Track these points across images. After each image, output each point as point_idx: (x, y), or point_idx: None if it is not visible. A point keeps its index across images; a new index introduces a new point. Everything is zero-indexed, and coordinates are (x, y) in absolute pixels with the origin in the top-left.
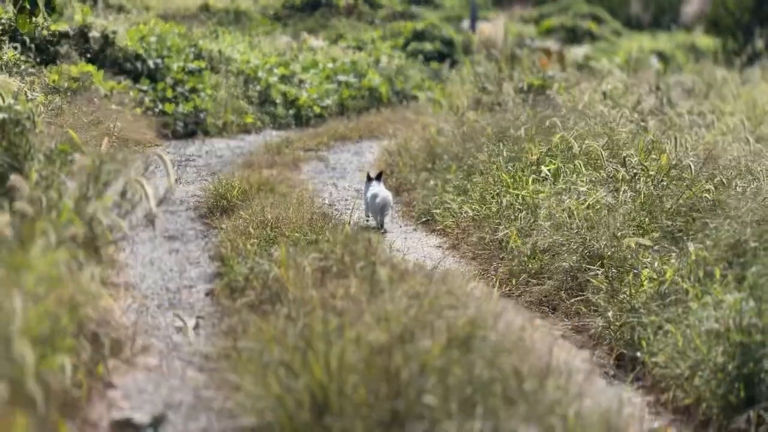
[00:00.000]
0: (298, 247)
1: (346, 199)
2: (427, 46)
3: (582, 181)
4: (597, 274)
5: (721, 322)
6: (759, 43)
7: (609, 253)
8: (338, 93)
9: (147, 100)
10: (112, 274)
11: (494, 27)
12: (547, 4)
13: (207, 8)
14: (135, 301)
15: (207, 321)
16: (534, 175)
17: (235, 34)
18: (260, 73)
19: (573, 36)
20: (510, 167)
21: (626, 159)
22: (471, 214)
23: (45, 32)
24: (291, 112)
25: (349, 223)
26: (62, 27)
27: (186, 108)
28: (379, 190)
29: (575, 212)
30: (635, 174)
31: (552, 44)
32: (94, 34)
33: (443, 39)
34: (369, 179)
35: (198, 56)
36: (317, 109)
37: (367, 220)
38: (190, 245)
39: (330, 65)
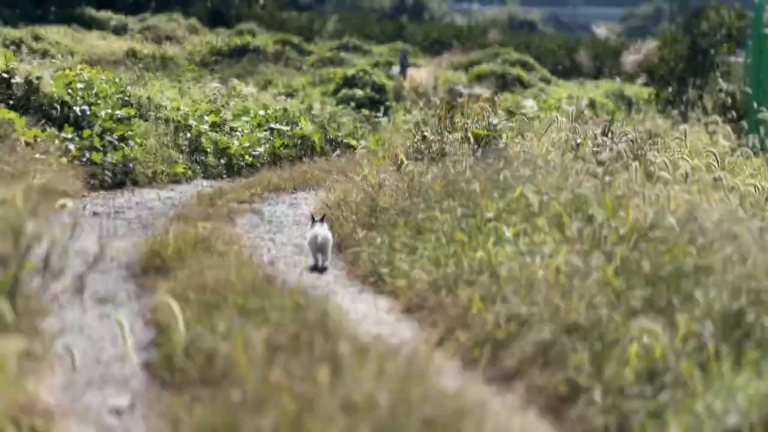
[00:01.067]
0: (242, 315)
1: (286, 256)
2: (359, 93)
3: (545, 242)
4: (575, 348)
5: (743, 416)
6: (691, 93)
7: (587, 324)
8: (270, 141)
9: (74, 148)
10: (35, 347)
11: (424, 73)
12: (475, 51)
13: (134, 54)
14: (62, 377)
15: (144, 399)
16: (492, 235)
17: (164, 80)
18: (191, 121)
19: (503, 82)
20: (463, 225)
21: (592, 217)
22: (426, 278)
23: None
24: (222, 161)
25: (295, 289)
26: None
27: (114, 157)
28: (320, 230)
29: (542, 277)
30: (605, 235)
31: (483, 91)
32: (17, 80)
33: (374, 85)
34: (313, 221)
35: (126, 103)
36: (249, 158)
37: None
38: (122, 309)
39: (261, 112)
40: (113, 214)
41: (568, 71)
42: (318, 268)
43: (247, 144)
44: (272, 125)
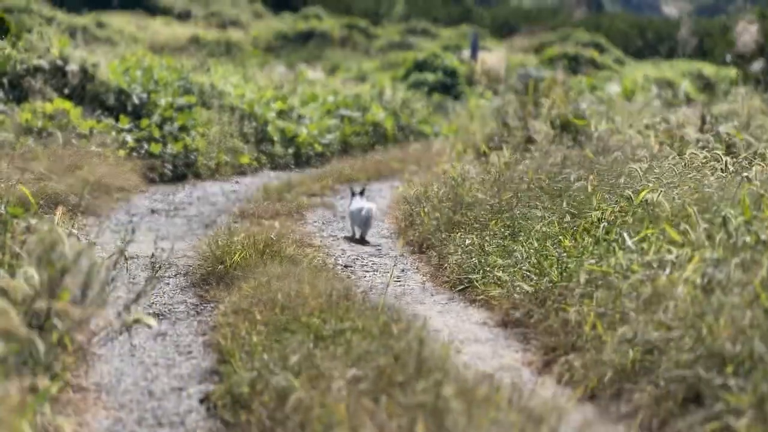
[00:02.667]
0: (318, 341)
1: (362, 258)
2: (430, 77)
3: (669, 249)
4: (728, 386)
5: None
6: None
7: (740, 353)
8: (340, 129)
9: (131, 140)
10: (78, 374)
11: (495, 57)
12: (546, 33)
13: (197, 40)
14: (108, 414)
15: None
16: (605, 239)
17: (228, 66)
18: (256, 109)
19: (576, 65)
20: (567, 226)
21: (725, 218)
22: (526, 288)
23: (18, 66)
24: (290, 150)
25: (382, 306)
26: (36, 60)
27: (175, 148)
28: (363, 203)
29: (680, 294)
30: (744, 240)
31: (557, 73)
32: (72, 67)
33: (446, 69)
34: (353, 194)
35: (188, 91)
36: (318, 147)
37: (353, 235)
38: (180, 326)
39: (330, 99)
40: (173, 211)
41: (640, 51)
42: (358, 240)
43: (316, 132)
44: (342, 112)
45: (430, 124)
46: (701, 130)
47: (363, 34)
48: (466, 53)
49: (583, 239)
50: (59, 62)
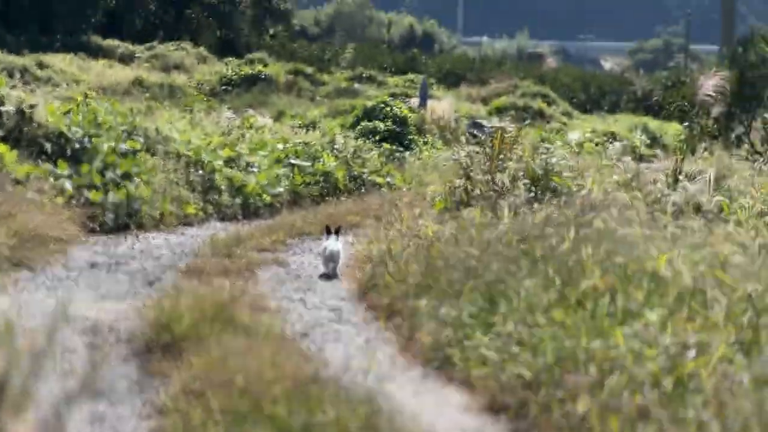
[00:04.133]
0: None
1: (323, 324)
2: (379, 125)
3: (684, 327)
4: None
5: None
6: (738, 128)
7: None
8: (290, 179)
9: (70, 187)
10: None
11: (443, 106)
12: (494, 83)
13: (140, 83)
14: None
15: None
16: (608, 314)
17: (173, 110)
18: (203, 156)
19: (524, 115)
20: (556, 295)
21: (748, 294)
22: (520, 372)
23: None
24: (238, 200)
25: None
26: None
27: (117, 197)
28: (331, 242)
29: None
30: None
31: (507, 124)
32: (8, 108)
33: (395, 117)
34: (328, 232)
35: (132, 135)
36: (267, 198)
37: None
38: (120, 408)
39: (280, 146)
40: (114, 266)
41: (583, 104)
42: (328, 276)
43: (265, 182)
44: (292, 161)
45: (382, 175)
46: (673, 189)
47: (309, 80)
48: (415, 101)
49: (577, 312)
50: None
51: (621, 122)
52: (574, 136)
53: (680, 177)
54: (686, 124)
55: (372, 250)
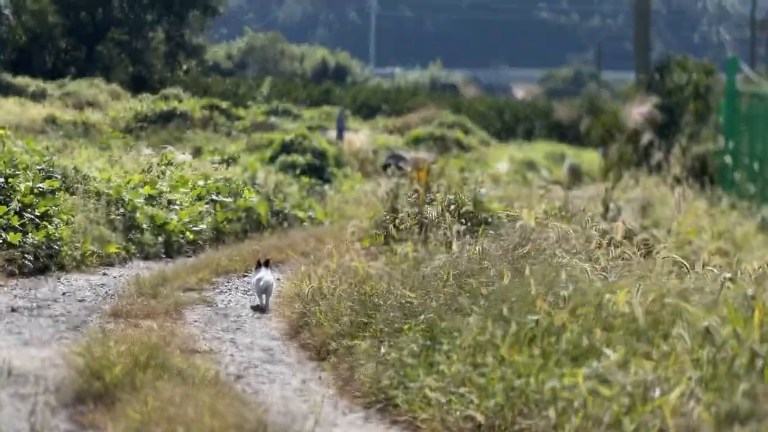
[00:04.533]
0: None
1: (256, 366)
2: (299, 159)
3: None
4: None
5: None
6: (657, 155)
7: None
8: (212, 215)
9: None
10: None
11: (361, 137)
12: (410, 114)
13: (54, 120)
14: None
15: None
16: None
17: (91, 148)
18: (123, 194)
19: (442, 145)
20: (499, 332)
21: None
22: (467, 413)
23: None
24: (160, 239)
25: None
26: None
27: (36, 238)
28: (266, 274)
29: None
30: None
31: (427, 155)
32: None
33: (314, 151)
34: (259, 265)
35: (50, 175)
36: (190, 235)
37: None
38: None
39: (201, 183)
40: (36, 309)
41: (499, 132)
42: (261, 309)
43: (187, 219)
44: (214, 197)
45: (304, 209)
46: (604, 218)
47: (224, 115)
48: (332, 133)
49: (526, 351)
50: None
51: (538, 150)
52: (502, 166)
53: (610, 206)
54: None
55: (302, 287)
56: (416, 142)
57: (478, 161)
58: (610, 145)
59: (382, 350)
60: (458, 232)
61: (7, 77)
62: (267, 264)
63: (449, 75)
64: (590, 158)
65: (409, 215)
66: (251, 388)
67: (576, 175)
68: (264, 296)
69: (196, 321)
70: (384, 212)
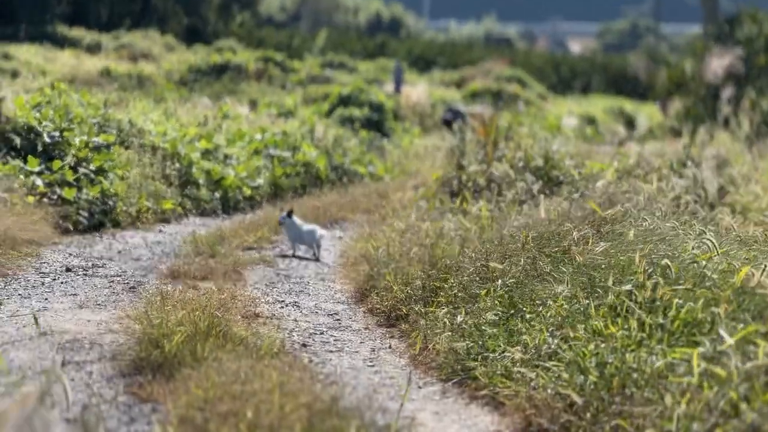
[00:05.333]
0: None
1: (320, 331)
2: (356, 113)
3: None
4: None
5: None
6: (726, 109)
7: None
8: (270, 170)
9: (41, 184)
10: None
11: (418, 91)
12: (467, 67)
13: (108, 73)
14: None
15: None
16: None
17: (146, 101)
18: (180, 148)
19: (499, 100)
20: (588, 303)
21: None
22: (558, 389)
23: None
24: (217, 194)
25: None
26: None
27: (91, 193)
28: (315, 227)
29: None
30: None
31: (483, 109)
32: None
33: (372, 104)
34: (290, 215)
35: (105, 128)
36: (247, 191)
37: (293, 254)
38: None
39: (258, 137)
40: (91, 269)
41: (555, 87)
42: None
43: (244, 174)
44: (271, 151)
45: (363, 164)
46: (681, 176)
47: (279, 67)
48: (389, 87)
49: (622, 324)
50: None
51: (596, 104)
52: (570, 121)
53: (688, 163)
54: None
55: (368, 248)
56: (473, 96)
57: (537, 116)
58: (675, 99)
59: (459, 318)
60: (532, 191)
61: (63, 29)
62: (290, 215)
63: (504, 28)
64: (649, 113)
65: (477, 173)
66: (318, 358)
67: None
68: (318, 248)
69: (256, 283)
70: (450, 169)
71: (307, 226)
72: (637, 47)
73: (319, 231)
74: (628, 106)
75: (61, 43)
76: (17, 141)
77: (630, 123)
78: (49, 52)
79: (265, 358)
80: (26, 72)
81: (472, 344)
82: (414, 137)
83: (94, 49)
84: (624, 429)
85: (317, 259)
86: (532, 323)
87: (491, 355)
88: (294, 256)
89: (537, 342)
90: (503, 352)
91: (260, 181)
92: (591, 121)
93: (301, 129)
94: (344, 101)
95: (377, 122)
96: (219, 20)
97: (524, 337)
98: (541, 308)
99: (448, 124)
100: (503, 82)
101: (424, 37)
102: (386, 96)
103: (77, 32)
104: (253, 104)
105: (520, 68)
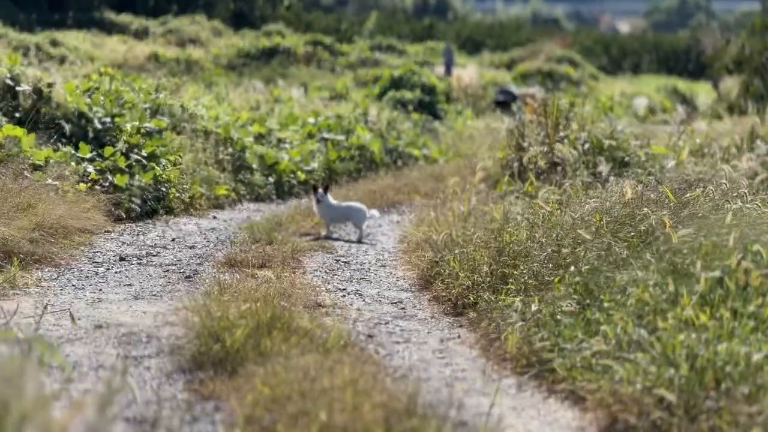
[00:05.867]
0: None
1: (384, 321)
2: (407, 95)
3: None
4: None
5: None
6: None
7: None
8: (324, 154)
9: (93, 171)
10: None
11: (469, 73)
12: (517, 48)
13: (156, 58)
14: None
15: None
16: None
17: (196, 85)
18: (233, 132)
19: (550, 81)
20: (673, 291)
21: None
22: (646, 383)
23: None
24: (271, 179)
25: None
26: None
27: (144, 180)
28: (358, 204)
29: None
30: None
31: (535, 91)
32: (24, 88)
33: (424, 86)
34: (324, 191)
35: (156, 113)
36: (301, 175)
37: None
38: None
39: (311, 120)
40: (145, 257)
41: (604, 67)
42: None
43: (298, 158)
44: (325, 135)
45: (418, 147)
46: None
47: (328, 51)
48: (439, 69)
49: (708, 311)
50: (9, 82)
51: (648, 84)
52: (640, 101)
53: (757, 142)
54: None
55: (429, 232)
56: (524, 77)
57: (589, 96)
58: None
59: (533, 307)
60: (599, 173)
61: (111, 15)
62: (326, 190)
63: (551, 8)
64: (702, 91)
65: (539, 154)
66: (385, 350)
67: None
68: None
69: (315, 270)
70: (509, 151)
71: (347, 202)
72: (686, 26)
73: (373, 212)
74: (681, 85)
75: (108, 29)
76: (68, 128)
77: (684, 102)
78: (97, 38)
79: (332, 351)
80: (75, 58)
81: (547, 335)
82: (467, 119)
83: (141, 34)
84: (722, 429)
85: (359, 241)
86: (610, 312)
87: (568, 346)
88: (327, 237)
89: (618, 332)
90: (581, 342)
91: (314, 165)
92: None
93: (354, 112)
94: (396, 84)
95: (429, 104)
96: (266, 4)
97: (603, 327)
98: (620, 296)
99: (500, 105)
100: (554, 63)
101: (472, 19)
102: (437, 78)
103: (124, 18)
104: (304, 87)
105: (571, 48)
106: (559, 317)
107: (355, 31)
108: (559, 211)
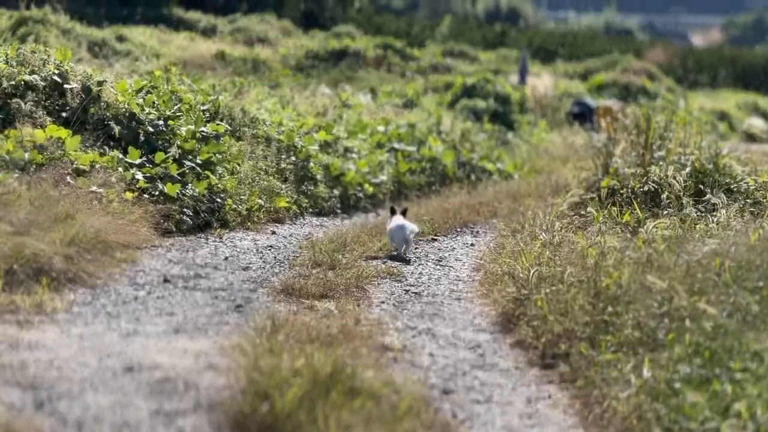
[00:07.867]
0: None
1: (462, 371)
2: (480, 104)
3: None
4: None
5: None
6: None
7: None
8: (393, 165)
9: (142, 178)
10: None
11: (543, 82)
12: (592, 59)
13: (223, 57)
14: None
15: None
16: None
17: (260, 86)
18: (297, 140)
19: (626, 93)
20: None
21: None
22: None
23: (5, 83)
24: (336, 191)
25: None
26: (28, 76)
27: (197, 189)
28: (407, 223)
29: None
30: None
31: (613, 103)
32: (72, 85)
33: (497, 95)
34: (393, 212)
35: (214, 116)
36: (369, 188)
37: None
38: None
39: (381, 129)
40: (192, 279)
41: (680, 80)
42: (401, 258)
43: (366, 169)
44: (395, 145)
45: (492, 161)
46: None
47: (398, 55)
48: (512, 78)
49: None
50: (57, 79)
51: (726, 99)
52: (756, 121)
53: None
54: None
55: (514, 264)
56: (599, 88)
57: (666, 110)
58: None
59: (644, 372)
60: (713, 205)
61: (179, 12)
62: (404, 214)
63: (624, 19)
64: None
65: (632, 177)
66: (464, 412)
67: None
68: (405, 245)
69: (382, 302)
70: (594, 172)
71: (394, 222)
72: (763, 41)
73: (410, 228)
74: (761, 101)
75: (176, 25)
76: (117, 129)
77: (766, 119)
78: (164, 34)
79: (403, 420)
80: (140, 54)
81: (665, 409)
82: (541, 131)
83: (209, 32)
84: None
85: (403, 260)
86: (744, 386)
87: (693, 426)
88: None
89: (756, 412)
90: (708, 421)
91: (383, 177)
92: (722, 116)
93: (427, 121)
94: (468, 92)
95: (503, 115)
96: (337, 5)
97: (736, 405)
98: (754, 364)
99: (576, 117)
100: (630, 74)
101: (544, 28)
102: (512, 87)
103: (193, 15)
104: (373, 93)
105: (647, 60)
106: (677, 385)
107: (427, 35)
108: (668, 250)
